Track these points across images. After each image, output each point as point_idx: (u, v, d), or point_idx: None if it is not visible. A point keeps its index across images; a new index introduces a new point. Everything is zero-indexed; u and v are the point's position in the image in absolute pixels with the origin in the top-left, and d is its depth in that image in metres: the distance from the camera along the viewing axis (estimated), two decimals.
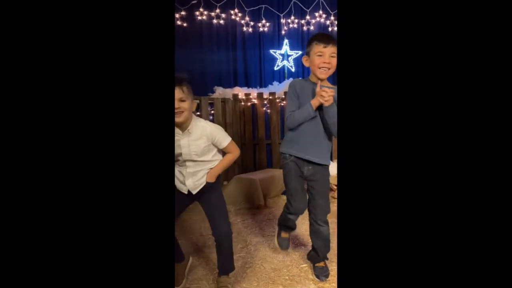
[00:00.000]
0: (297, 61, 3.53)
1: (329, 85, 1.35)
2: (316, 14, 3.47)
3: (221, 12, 3.31)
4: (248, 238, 1.84)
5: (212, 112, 2.92)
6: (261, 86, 3.44)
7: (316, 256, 1.41)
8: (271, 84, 3.39)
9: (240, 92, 3.12)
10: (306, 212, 1.39)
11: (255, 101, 3.08)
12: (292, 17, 3.46)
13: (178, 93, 1.12)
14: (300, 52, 3.50)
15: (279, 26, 3.50)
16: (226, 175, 2.95)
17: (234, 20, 3.38)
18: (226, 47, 3.42)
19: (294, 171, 1.33)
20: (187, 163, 1.20)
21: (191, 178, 1.21)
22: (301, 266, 1.48)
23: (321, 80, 1.29)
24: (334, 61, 1.26)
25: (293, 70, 3.55)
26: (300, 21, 3.50)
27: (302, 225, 1.88)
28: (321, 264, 1.39)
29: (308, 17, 3.48)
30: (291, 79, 1.38)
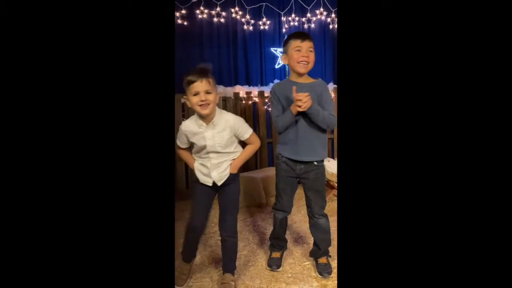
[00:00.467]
0: None
1: (310, 80, 1.37)
2: (317, 11, 3.46)
3: (221, 11, 3.31)
4: (250, 236, 1.85)
5: None
6: (262, 85, 3.43)
7: (317, 251, 1.41)
8: (272, 82, 3.38)
9: (241, 90, 3.12)
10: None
11: (256, 99, 3.08)
12: (293, 15, 3.45)
13: (205, 85, 1.14)
14: None
15: (279, 24, 3.49)
16: None
17: (235, 19, 3.37)
18: (227, 45, 3.41)
19: (284, 171, 1.37)
20: (211, 155, 1.21)
21: (215, 170, 1.22)
22: (304, 263, 1.48)
23: (301, 74, 1.32)
24: (312, 56, 1.30)
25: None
26: (301, 19, 3.49)
27: (305, 222, 1.89)
28: (324, 260, 1.40)
29: (309, 14, 3.47)
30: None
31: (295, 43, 1.29)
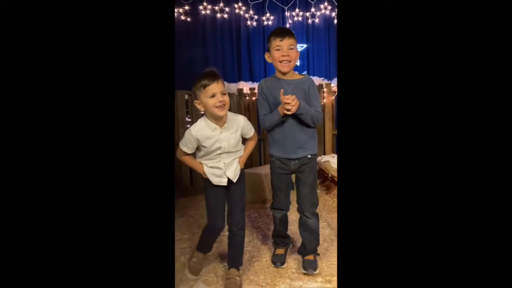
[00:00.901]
0: (302, 54, 3.49)
1: (297, 76, 1.35)
2: (321, 6, 3.42)
3: (224, 6, 3.29)
4: (254, 232, 1.85)
5: None
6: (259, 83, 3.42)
7: (303, 249, 1.41)
8: None
9: (245, 86, 3.11)
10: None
11: None
12: (297, 10, 3.42)
13: (220, 86, 1.15)
14: (305, 45, 3.46)
15: (283, 19, 3.46)
16: None
17: (238, 14, 3.35)
18: (230, 41, 3.40)
19: (278, 169, 1.36)
20: (223, 155, 1.23)
21: (229, 169, 1.25)
22: None
23: (284, 73, 1.30)
24: (293, 53, 1.28)
25: (298, 63, 3.51)
26: (305, 13, 3.45)
27: None
28: (310, 257, 1.38)
29: (313, 9, 3.44)
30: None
31: (275, 43, 1.26)
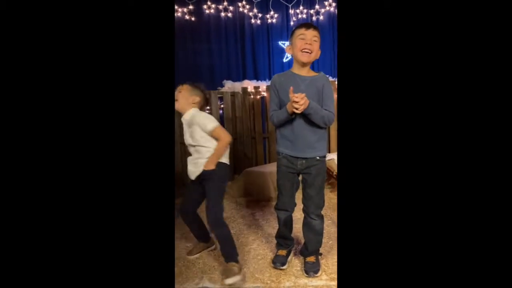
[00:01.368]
0: None
1: (313, 73, 1.32)
2: (326, 3, 3.40)
3: (228, 5, 3.29)
4: (259, 230, 1.86)
5: (222, 106, 2.93)
6: (270, 79, 3.41)
7: (305, 250, 1.39)
8: None
9: (249, 85, 3.11)
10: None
11: (265, 94, 3.06)
12: (301, 7, 3.40)
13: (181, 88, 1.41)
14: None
15: (287, 17, 3.45)
16: (237, 168, 2.97)
17: (242, 13, 3.35)
18: (235, 40, 3.40)
19: (284, 167, 1.34)
20: (190, 149, 1.40)
21: (190, 164, 1.38)
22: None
23: (303, 64, 1.28)
24: (316, 45, 1.26)
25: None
26: (309, 11, 3.43)
27: None
28: (311, 259, 1.36)
29: (317, 6, 3.41)
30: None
31: (299, 31, 1.25)
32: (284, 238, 1.45)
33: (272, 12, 3.39)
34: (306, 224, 1.37)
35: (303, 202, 1.36)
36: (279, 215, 1.41)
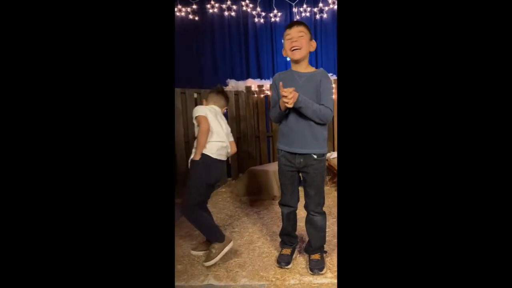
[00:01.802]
0: None
1: (312, 69, 1.33)
2: (329, 0, 3.38)
3: (232, 4, 3.29)
4: (263, 228, 1.86)
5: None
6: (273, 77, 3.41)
7: (309, 247, 1.40)
8: None
9: (253, 84, 3.11)
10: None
11: (269, 92, 3.06)
12: (304, 6, 3.39)
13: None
14: (312, 40, 3.42)
15: (291, 15, 3.44)
16: (241, 167, 2.97)
17: (246, 12, 3.35)
18: (238, 39, 3.40)
19: (283, 165, 1.36)
20: None
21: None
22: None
23: (296, 61, 1.30)
24: (303, 40, 1.27)
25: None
26: (313, 9, 3.42)
27: None
28: (316, 256, 1.36)
29: (321, 4, 3.40)
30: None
31: (285, 33, 1.29)
32: (288, 236, 1.46)
33: (275, 11, 3.38)
34: (308, 221, 1.38)
35: (304, 199, 1.38)
36: (282, 210, 1.44)
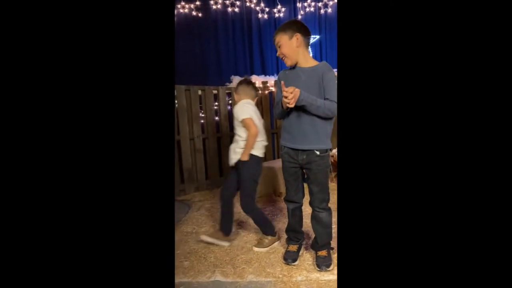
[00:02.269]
0: (314, 46, 3.44)
1: (314, 63, 1.31)
2: None
3: (235, 0, 3.27)
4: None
5: (230, 101, 2.93)
6: (278, 74, 3.39)
7: (315, 244, 1.39)
8: None
9: (257, 80, 3.10)
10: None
11: (273, 89, 3.05)
12: (308, 0, 3.35)
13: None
14: (317, 37, 3.40)
15: (295, 10, 3.41)
16: None
17: (249, 7, 3.33)
18: (242, 35, 3.39)
19: (287, 162, 1.36)
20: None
21: (230, 151, 1.57)
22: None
23: (290, 67, 1.34)
24: (283, 48, 1.31)
25: (310, 55, 3.46)
26: (317, 4, 3.38)
27: None
28: (323, 253, 1.36)
29: None
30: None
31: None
32: (294, 232, 1.46)
33: (279, 6, 3.35)
34: (313, 217, 1.38)
35: (309, 195, 1.37)
36: (287, 206, 1.44)
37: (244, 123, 1.47)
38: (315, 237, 1.41)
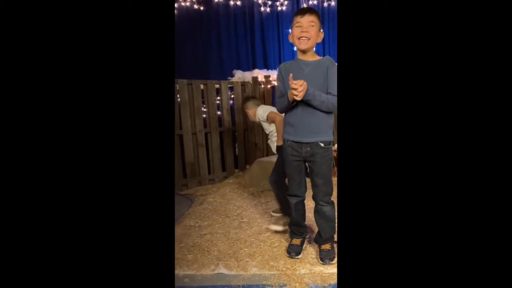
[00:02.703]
0: None
1: (318, 57, 1.32)
2: None
3: None
4: (272, 219, 1.87)
5: (232, 96, 2.92)
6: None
7: (319, 238, 1.39)
8: None
9: (260, 74, 3.08)
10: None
11: (275, 83, 3.03)
12: None
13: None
14: (320, 31, 3.36)
15: (298, 4, 3.37)
16: (248, 158, 2.97)
17: (251, 0, 3.29)
18: (244, 29, 3.35)
19: (290, 156, 1.35)
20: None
21: (271, 144, 1.94)
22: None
23: (303, 51, 1.28)
24: (313, 30, 1.25)
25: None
26: None
27: None
28: (327, 246, 1.36)
29: None
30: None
31: (295, 20, 1.26)
32: (297, 226, 1.46)
33: None
34: (317, 211, 1.37)
35: (312, 189, 1.37)
36: (290, 200, 1.43)
37: (270, 117, 1.77)
38: (318, 231, 1.41)
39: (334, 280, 1.20)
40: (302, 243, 1.45)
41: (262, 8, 3.32)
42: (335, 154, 1.77)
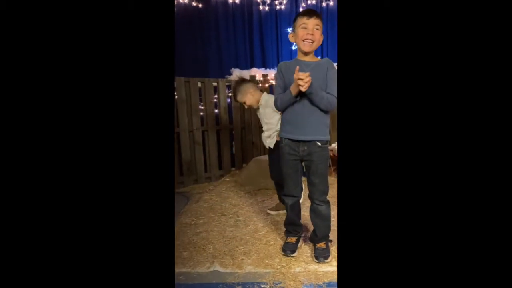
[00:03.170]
0: None
1: (316, 59, 1.35)
2: None
3: None
4: (268, 217, 1.87)
5: (230, 94, 2.91)
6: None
7: (314, 236, 1.40)
8: None
9: (258, 73, 3.07)
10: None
11: (273, 82, 3.03)
12: None
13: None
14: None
15: (296, 3, 3.36)
16: (245, 157, 2.97)
17: None
18: (242, 27, 3.35)
19: (287, 154, 1.36)
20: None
21: (267, 137, 1.84)
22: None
23: (306, 53, 1.30)
24: (317, 34, 1.27)
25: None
26: None
27: None
28: (321, 245, 1.37)
29: None
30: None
31: (301, 20, 1.27)
32: (293, 225, 1.46)
33: None
34: (312, 210, 1.38)
35: (308, 188, 1.38)
36: (286, 201, 1.44)
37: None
38: (313, 230, 1.42)
39: (328, 279, 1.21)
40: (298, 241, 1.46)
41: (261, 7, 3.31)
42: (331, 154, 1.78)
